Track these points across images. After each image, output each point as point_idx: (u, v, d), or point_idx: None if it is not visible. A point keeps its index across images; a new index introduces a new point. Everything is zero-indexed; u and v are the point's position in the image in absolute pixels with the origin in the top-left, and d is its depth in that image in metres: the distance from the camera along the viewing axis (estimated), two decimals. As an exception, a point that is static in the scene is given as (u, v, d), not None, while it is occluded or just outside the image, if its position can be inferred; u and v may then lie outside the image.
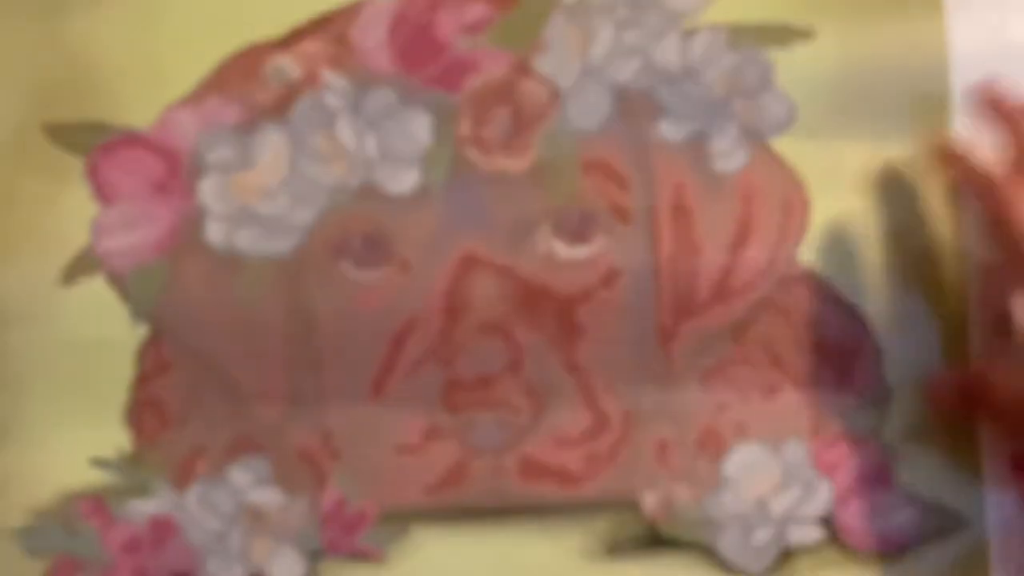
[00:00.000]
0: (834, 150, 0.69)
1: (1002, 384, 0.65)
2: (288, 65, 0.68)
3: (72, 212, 0.69)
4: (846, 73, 0.69)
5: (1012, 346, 0.65)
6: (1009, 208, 0.64)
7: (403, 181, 0.68)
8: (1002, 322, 0.66)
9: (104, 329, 0.68)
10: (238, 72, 0.69)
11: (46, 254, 0.68)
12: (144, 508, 0.68)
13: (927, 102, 0.69)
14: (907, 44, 0.69)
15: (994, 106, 0.66)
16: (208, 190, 0.68)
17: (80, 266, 0.68)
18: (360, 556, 0.67)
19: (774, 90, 0.69)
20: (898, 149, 0.69)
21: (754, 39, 0.69)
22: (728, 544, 0.68)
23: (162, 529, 0.67)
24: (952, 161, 0.67)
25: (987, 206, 0.66)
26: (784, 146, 0.69)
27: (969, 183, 0.66)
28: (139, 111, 0.69)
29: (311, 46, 0.68)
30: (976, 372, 0.67)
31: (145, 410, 0.68)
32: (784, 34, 0.69)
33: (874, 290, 0.69)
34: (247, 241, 0.68)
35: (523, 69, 0.68)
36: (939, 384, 0.68)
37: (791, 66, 0.69)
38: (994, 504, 0.68)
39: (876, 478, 0.68)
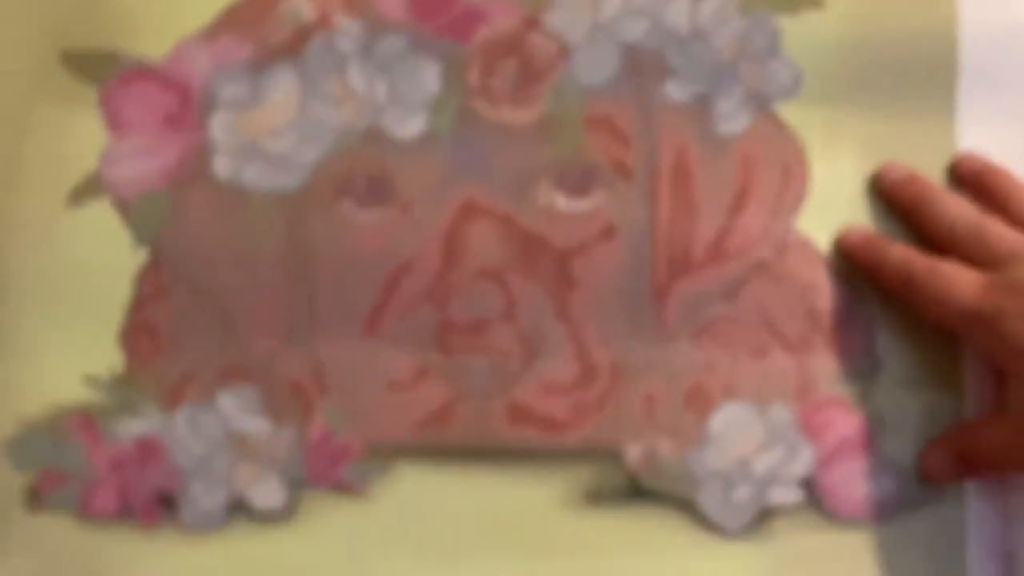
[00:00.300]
0: (837, 119, 0.70)
1: (990, 449, 0.66)
2: (302, 6, 0.69)
3: (83, 139, 0.70)
4: (854, 43, 0.70)
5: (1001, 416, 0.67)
6: (932, 305, 0.66)
7: (410, 126, 0.69)
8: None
9: (105, 252, 0.69)
10: (253, 10, 0.70)
11: (55, 177, 0.69)
12: (132, 428, 0.68)
13: (933, 76, 0.70)
14: (917, 17, 0.70)
15: (901, 190, 0.68)
16: (218, 125, 0.69)
17: (87, 190, 0.69)
18: (342, 489, 0.68)
19: (781, 56, 0.70)
20: (901, 122, 0.70)
21: (764, 5, 0.70)
22: (708, 500, 0.68)
23: (148, 449, 0.68)
24: (867, 254, 0.68)
25: (907, 302, 0.67)
26: (788, 112, 0.70)
27: (886, 279, 0.68)
28: (154, 42, 0.70)
29: (325, -13, 0.70)
30: (965, 439, 0.68)
31: (139, 333, 0.69)
32: (794, 1, 0.70)
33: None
34: (253, 176, 0.69)
35: (533, 23, 0.69)
36: (932, 458, 0.68)
37: (799, 33, 0.70)
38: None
39: (860, 445, 0.68)
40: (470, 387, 0.67)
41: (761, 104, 0.69)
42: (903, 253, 0.67)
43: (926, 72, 0.70)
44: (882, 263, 0.67)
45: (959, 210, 0.67)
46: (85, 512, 0.68)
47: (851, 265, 0.68)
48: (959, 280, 0.65)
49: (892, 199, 0.69)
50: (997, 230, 0.66)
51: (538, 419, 0.67)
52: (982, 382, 0.69)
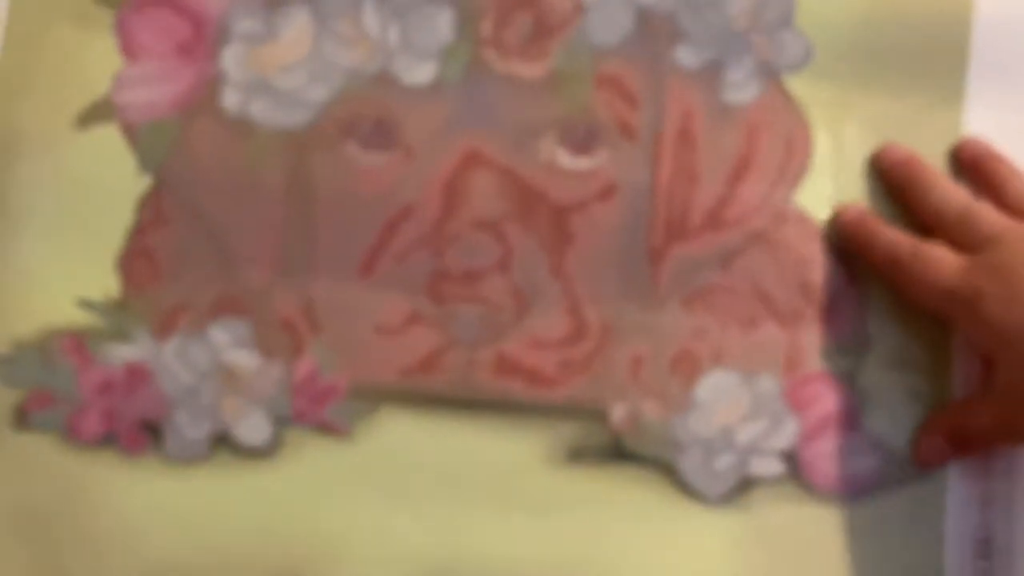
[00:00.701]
0: (845, 96, 0.70)
1: (980, 429, 0.67)
2: (320, -53, 0.70)
3: (97, 62, 0.70)
4: (868, 22, 0.70)
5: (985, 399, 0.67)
6: (915, 287, 0.66)
7: (419, 73, 0.69)
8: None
9: (110, 176, 0.69)
10: (272, -56, 0.70)
11: (66, 97, 0.70)
12: (122, 353, 0.68)
13: (945, 61, 0.70)
14: (932, 2, 0.70)
15: (898, 171, 0.68)
16: (230, 58, 0.70)
17: (96, 112, 0.69)
18: (326, 428, 0.68)
19: (792, 28, 0.70)
20: (909, 104, 0.70)
21: None
22: (689, 466, 0.68)
23: (137, 376, 0.68)
24: (858, 233, 0.68)
25: (893, 283, 0.67)
26: (796, 85, 0.70)
27: (873, 260, 0.68)
28: None
29: (343, -70, 0.70)
30: (955, 421, 0.68)
31: (137, 259, 0.69)
32: None
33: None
34: (260, 111, 0.69)
35: None
36: (926, 442, 0.68)
37: (814, 8, 0.70)
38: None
39: (844, 421, 0.68)
40: (459, 335, 0.68)
41: (770, 75, 0.69)
42: (891, 235, 0.67)
43: (937, 56, 0.70)
44: (871, 243, 0.67)
45: (950, 194, 0.68)
46: (71, 436, 0.68)
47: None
48: (941, 262, 0.65)
49: (889, 179, 0.69)
50: (984, 214, 0.66)
51: (525, 372, 0.68)
52: (970, 365, 0.69)
